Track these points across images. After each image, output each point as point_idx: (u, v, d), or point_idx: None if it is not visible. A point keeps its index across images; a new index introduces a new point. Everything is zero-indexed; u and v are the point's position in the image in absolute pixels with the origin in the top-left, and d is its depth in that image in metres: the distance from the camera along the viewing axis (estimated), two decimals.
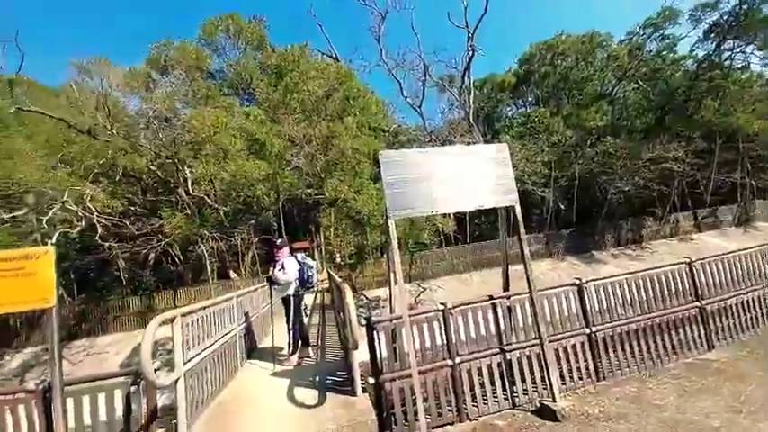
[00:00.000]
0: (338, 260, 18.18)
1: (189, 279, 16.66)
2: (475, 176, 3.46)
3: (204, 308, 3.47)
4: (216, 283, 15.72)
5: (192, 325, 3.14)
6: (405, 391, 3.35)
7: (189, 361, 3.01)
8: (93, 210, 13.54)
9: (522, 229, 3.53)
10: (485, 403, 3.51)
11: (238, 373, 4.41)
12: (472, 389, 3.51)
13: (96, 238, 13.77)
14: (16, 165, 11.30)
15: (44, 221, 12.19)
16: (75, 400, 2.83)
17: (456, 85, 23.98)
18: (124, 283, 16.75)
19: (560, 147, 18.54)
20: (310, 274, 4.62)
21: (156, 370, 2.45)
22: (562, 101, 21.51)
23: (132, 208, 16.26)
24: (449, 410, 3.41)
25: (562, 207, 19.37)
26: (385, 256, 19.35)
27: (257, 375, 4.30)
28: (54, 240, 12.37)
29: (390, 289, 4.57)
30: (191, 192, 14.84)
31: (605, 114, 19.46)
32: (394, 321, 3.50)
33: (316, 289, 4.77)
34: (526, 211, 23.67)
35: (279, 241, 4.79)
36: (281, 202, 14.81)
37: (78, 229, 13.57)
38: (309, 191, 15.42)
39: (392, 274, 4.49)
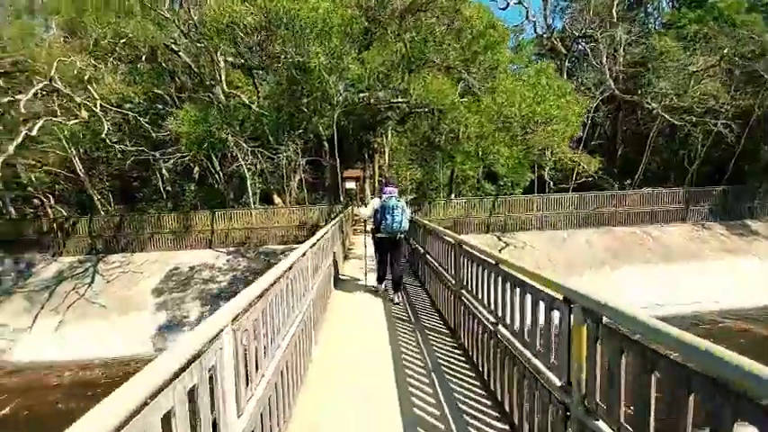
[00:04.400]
0: None
1: (230, 200, 17.59)
2: None
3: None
4: (257, 208, 16.42)
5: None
6: None
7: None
8: (96, 96, 12.97)
9: None
10: None
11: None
12: None
13: (103, 135, 13.41)
14: None
15: (21, 105, 11.41)
16: None
17: None
18: (165, 196, 18.16)
19: (752, 60, 15.50)
20: (387, 216, 5.06)
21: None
22: None
23: (159, 106, 16.55)
24: None
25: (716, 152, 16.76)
26: (453, 196, 18.68)
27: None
28: (34, 133, 11.60)
29: None
30: (225, 90, 14.67)
31: None
32: None
33: (400, 236, 5.32)
34: (656, 156, 20.86)
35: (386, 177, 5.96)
36: (338, 110, 13.37)
37: (75, 121, 12.97)
38: (381, 94, 13.73)
39: None
